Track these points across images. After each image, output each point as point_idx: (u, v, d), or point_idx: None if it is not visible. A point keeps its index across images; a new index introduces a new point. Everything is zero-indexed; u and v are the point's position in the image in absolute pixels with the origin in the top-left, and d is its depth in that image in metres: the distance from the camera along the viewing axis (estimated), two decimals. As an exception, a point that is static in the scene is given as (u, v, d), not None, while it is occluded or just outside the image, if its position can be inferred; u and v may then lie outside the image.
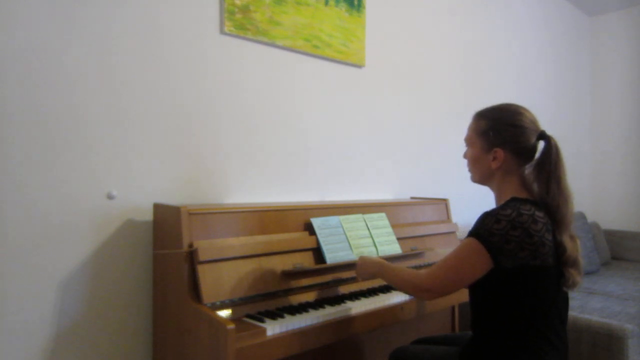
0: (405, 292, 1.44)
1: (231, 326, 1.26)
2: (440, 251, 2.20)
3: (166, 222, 1.56)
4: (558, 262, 1.27)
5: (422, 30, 2.81)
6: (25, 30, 1.45)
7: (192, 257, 1.45)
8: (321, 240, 1.76)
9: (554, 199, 1.27)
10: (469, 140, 1.46)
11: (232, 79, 1.94)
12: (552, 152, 1.29)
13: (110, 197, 1.62)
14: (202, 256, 1.44)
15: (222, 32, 1.89)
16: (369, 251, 1.88)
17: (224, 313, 1.44)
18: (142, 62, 1.69)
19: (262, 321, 1.41)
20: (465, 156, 1.48)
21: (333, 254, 1.76)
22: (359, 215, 1.95)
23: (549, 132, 1.35)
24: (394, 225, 2.06)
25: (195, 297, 1.43)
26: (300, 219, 1.79)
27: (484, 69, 3.31)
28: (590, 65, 4.61)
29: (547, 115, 3.98)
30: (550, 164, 1.29)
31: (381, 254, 1.91)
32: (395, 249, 1.98)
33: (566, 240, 1.27)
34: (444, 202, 2.43)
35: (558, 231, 1.27)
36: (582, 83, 4.51)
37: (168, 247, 1.54)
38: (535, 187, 1.33)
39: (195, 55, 1.82)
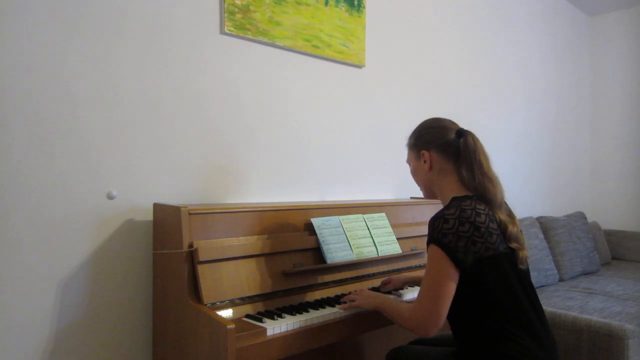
0: (406, 328, 1.40)
1: (231, 326, 1.26)
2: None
3: (166, 222, 1.56)
4: (507, 245, 1.34)
5: (422, 30, 2.81)
6: (25, 30, 1.45)
7: (192, 257, 1.45)
8: (321, 240, 1.76)
9: (481, 182, 1.38)
10: (407, 160, 1.60)
11: (232, 78, 1.94)
12: (469, 141, 1.42)
13: (110, 197, 1.62)
14: (202, 256, 1.44)
15: (222, 32, 1.89)
16: (369, 251, 1.88)
17: (224, 313, 1.44)
18: (141, 62, 1.69)
19: (262, 321, 1.41)
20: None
21: (333, 254, 1.76)
22: (359, 215, 1.95)
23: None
24: (394, 225, 2.06)
25: (195, 297, 1.43)
26: (300, 219, 1.79)
27: (484, 68, 3.31)
28: (590, 65, 4.61)
29: (548, 115, 3.99)
30: (469, 152, 1.41)
31: (381, 254, 1.91)
32: (395, 249, 1.98)
33: (504, 218, 1.36)
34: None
35: (494, 211, 1.37)
36: (582, 83, 4.51)
37: (168, 247, 1.54)
38: (469, 180, 1.41)
39: (195, 55, 1.82)
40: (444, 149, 1.46)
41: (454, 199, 1.39)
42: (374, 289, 1.80)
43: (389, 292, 1.80)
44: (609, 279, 3.26)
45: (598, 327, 2.19)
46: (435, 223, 1.32)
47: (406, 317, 1.35)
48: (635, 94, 4.31)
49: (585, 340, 2.21)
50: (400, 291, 1.80)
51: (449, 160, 1.45)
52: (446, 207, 1.37)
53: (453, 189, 1.44)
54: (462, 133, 1.45)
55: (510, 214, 1.41)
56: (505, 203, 1.44)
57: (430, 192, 1.55)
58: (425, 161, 1.49)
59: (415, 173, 1.57)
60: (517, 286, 1.34)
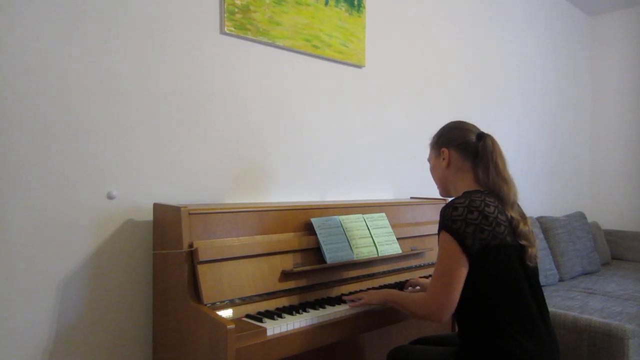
0: (418, 317, 1.43)
1: (231, 326, 1.26)
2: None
3: (166, 222, 1.56)
4: (515, 239, 1.37)
5: (422, 30, 2.81)
6: (25, 31, 1.45)
7: (192, 257, 1.45)
8: (321, 240, 1.76)
9: (494, 181, 1.43)
10: (428, 157, 1.65)
11: (232, 79, 1.94)
12: (488, 143, 1.47)
13: (110, 197, 1.62)
14: (202, 256, 1.44)
15: (222, 32, 1.89)
16: (369, 251, 1.88)
17: (224, 313, 1.44)
18: (141, 62, 1.69)
19: (262, 321, 1.41)
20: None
21: (333, 254, 1.76)
22: (359, 215, 1.95)
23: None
24: (394, 225, 2.06)
25: (195, 297, 1.43)
26: (300, 219, 1.79)
27: (484, 68, 3.31)
28: (590, 65, 4.60)
29: (548, 115, 3.99)
30: (487, 153, 1.46)
31: (381, 254, 1.91)
32: (395, 248, 1.98)
33: (515, 216, 1.41)
34: (444, 202, 2.43)
35: (505, 209, 1.41)
36: (582, 83, 4.51)
37: (168, 247, 1.54)
38: (484, 179, 1.46)
39: (195, 55, 1.82)
40: (463, 148, 1.51)
41: (465, 192, 1.44)
42: (373, 289, 1.80)
43: (400, 288, 1.83)
44: (609, 279, 3.26)
45: (598, 327, 2.19)
46: (446, 211, 1.37)
47: (419, 303, 1.40)
48: (635, 94, 4.30)
49: (585, 340, 2.21)
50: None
51: (466, 159, 1.50)
52: (457, 197, 1.42)
53: (468, 185, 1.49)
54: (482, 136, 1.50)
55: (522, 215, 1.44)
56: (518, 205, 1.47)
57: (445, 189, 1.60)
58: (444, 158, 1.54)
59: (433, 170, 1.63)
60: (524, 283, 1.36)
